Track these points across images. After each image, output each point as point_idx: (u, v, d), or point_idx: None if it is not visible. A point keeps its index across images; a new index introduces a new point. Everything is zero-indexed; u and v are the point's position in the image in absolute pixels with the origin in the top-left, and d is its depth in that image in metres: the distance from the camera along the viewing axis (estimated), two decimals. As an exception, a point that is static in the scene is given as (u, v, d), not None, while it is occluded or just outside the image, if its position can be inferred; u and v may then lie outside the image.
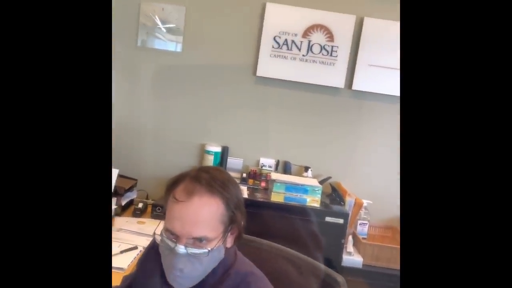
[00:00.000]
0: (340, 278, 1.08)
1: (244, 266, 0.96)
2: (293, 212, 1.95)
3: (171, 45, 2.29)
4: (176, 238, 0.86)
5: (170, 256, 0.87)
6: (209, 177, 0.89)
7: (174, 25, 2.27)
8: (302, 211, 1.95)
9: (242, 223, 0.94)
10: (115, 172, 1.97)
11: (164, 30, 2.28)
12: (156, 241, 0.91)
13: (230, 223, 0.90)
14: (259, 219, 1.92)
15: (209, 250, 0.86)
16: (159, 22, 2.27)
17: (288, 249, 1.18)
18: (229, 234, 0.92)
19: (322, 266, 1.12)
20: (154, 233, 0.93)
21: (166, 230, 0.88)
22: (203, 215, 0.86)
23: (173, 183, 0.91)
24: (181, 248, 0.85)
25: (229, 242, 0.94)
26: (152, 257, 1.00)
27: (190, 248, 0.85)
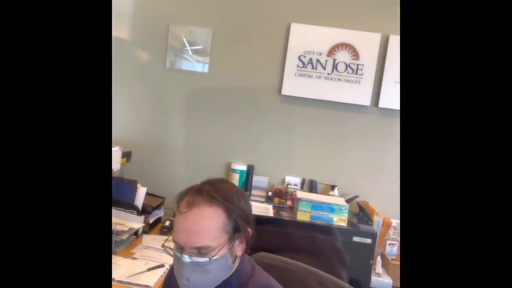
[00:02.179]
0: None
1: (262, 279, 0.97)
2: (320, 231, 1.93)
3: (198, 66, 2.35)
4: (181, 248, 0.90)
5: (178, 265, 0.91)
6: (212, 189, 0.92)
7: (201, 47, 2.33)
8: (328, 231, 1.92)
9: (250, 231, 0.96)
10: (143, 190, 2.01)
11: (191, 52, 2.34)
12: (167, 253, 0.96)
13: (235, 231, 0.92)
14: (285, 238, 1.90)
15: (209, 259, 0.88)
16: (187, 44, 2.34)
17: (318, 270, 1.17)
18: (237, 242, 0.94)
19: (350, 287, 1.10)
20: (163, 246, 0.97)
21: (173, 241, 0.93)
22: (202, 225, 0.89)
23: (179, 198, 0.95)
24: (186, 257, 0.89)
25: (239, 251, 0.96)
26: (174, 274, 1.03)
27: (194, 257, 0.89)
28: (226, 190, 0.93)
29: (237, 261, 0.97)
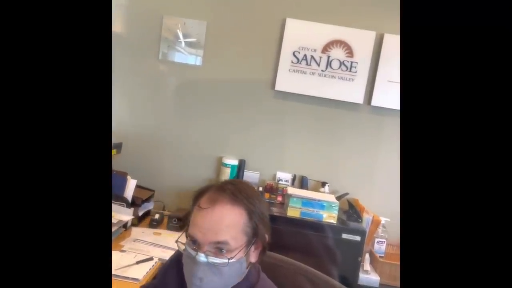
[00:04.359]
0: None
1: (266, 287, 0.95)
2: (309, 227, 1.93)
3: (191, 58, 2.33)
4: (198, 246, 0.87)
5: (191, 264, 0.87)
6: (234, 188, 0.90)
7: (195, 39, 2.31)
8: (318, 227, 1.93)
9: (267, 237, 0.94)
10: (133, 183, 1.99)
11: (184, 44, 2.32)
12: (179, 249, 0.91)
13: (254, 235, 0.90)
14: (275, 234, 1.90)
15: (229, 259, 0.85)
16: (180, 36, 2.31)
17: (307, 267, 1.17)
18: (252, 248, 0.91)
19: (339, 284, 1.10)
20: (177, 241, 0.92)
21: (188, 237, 0.89)
22: (225, 222, 0.86)
23: (199, 194, 0.92)
24: (201, 257, 0.85)
25: (253, 257, 0.93)
26: (173, 269, 1.01)
27: (211, 257, 0.86)
28: (248, 192, 0.91)
29: (248, 268, 0.94)
